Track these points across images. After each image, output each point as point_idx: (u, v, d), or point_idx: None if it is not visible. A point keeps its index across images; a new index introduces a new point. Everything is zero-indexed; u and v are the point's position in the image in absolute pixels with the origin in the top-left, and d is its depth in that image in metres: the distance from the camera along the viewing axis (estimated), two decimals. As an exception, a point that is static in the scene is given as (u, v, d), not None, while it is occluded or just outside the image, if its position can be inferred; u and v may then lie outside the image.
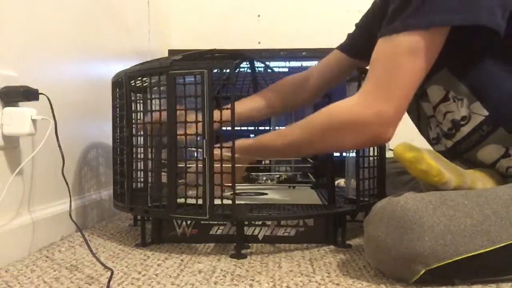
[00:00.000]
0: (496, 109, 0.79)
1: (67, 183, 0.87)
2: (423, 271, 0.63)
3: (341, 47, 1.07)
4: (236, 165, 0.81)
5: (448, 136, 0.86)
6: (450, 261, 0.62)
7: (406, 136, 0.80)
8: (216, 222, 0.90)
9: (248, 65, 1.29)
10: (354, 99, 0.79)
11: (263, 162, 1.30)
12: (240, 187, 1.08)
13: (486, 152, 0.82)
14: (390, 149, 1.12)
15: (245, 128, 1.41)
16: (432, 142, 0.93)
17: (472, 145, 0.83)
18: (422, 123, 0.95)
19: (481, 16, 0.71)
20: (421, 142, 0.76)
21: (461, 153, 0.86)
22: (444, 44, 0.75)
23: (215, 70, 0.81)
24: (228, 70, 0.84)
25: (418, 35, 0.73)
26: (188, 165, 0.83)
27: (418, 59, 0.74)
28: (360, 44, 1.00)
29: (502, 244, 0.63)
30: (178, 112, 0.82)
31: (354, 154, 0.91)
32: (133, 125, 0.91)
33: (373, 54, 0.78)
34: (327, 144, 0.84)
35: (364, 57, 0.91)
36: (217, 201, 0.80)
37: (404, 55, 0.74)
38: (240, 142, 0.88)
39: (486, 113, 0.79)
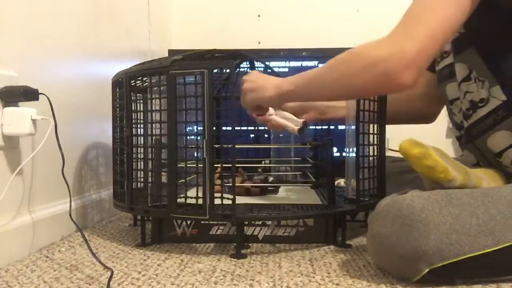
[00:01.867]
0: None
1: (67, 183, 0.87)
2: (426, 270, 0.63)
3: None
4: None
5: (466, 117, 0.86)
6: (454, 260, 0.62)
7: (406, 136, 0.80)
8: (216, 222, 0.90)
9: (248, 65, 1.29)
10: (379, 39, 0.74)
11: (263, 163, 1.30)
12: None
13: (496, 139, 0.81)
14: (390, 149, 1.12)
15: (245, 128, 1.40)
16: (458, 127, 0.93)
17: (485, 129, 0.83)
18: (448, 109, 0.96)
19: None
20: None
21: (473, 136, 0.86)
22: (476, 23, 0.73)
23: (215, 70, 0.81)
24: (228, 70, 0.84)
25: None
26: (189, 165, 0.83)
27: (448, 4, 0.71)
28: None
29: (506, 244, 0.63)
30: None
31: (354, 154, 0.91)
32: (133, 125, 0.91)
33: None
34: (343, 78, 0.76)
35: None
36: (217, 201, 0.80)
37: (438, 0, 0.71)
38: (279, 88, 0.86)
39: (504, 98, 0.79)
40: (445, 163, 0.70)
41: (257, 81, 0.91)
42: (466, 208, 0.65)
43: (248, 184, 1.07)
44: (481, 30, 0.76)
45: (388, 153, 1.01)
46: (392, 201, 0.68)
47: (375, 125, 0.94)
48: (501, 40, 0.79)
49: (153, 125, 0.88)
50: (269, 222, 0.91)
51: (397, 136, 0.83)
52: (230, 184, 0.82)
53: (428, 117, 1.20)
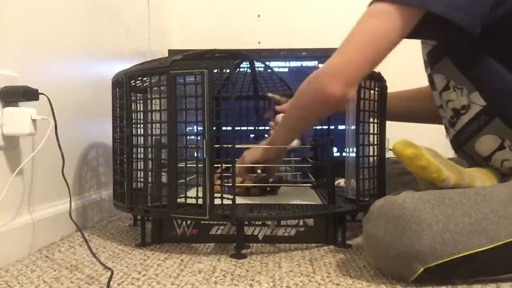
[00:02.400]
0: (492, 99, 0.80)
1: (67, 183, 0.87)
2: (421, 270, 0.63)
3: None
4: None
5: (451, 124, 0.88)
6: (448, 259, 0.63)
7: (405, 136, 0.80)
8: (216, 222, 0.90)
9: (248, 65, 1.29)
10: None
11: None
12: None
13: (483, 143, 0.83)
14: (390, 149, 1.12)
15: (245, 128, 1.41)
16: (447, 131, 0.94)
17: (471, 134, 0.84)
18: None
19: (434, 3, 0.73)
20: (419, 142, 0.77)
21: (461, 143, 0.87)
22: (446, 34, 0.77)
23: (215, 70, 0.81)
24: (228, 70, 0.84)
25: (387, 5, 0.75)
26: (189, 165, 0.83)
27: (378, 21, 0.76)
28: None
29: (500, 243, 0.63)
30: None
31: (354, 154, 0.91)
32: (133, 125, 0.91)
33: None
34: (296, 101, 0.88)
35: None
36: (217, 201, 0.80)
37: (366, 17, 0.77)
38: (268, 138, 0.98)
39: (484, 103, 0.80)
40: (438, 163, 0.70)
41: (251, 150, 1.00)
42: (458, 208, 0.65)
43: (248, 184, 1.07)
44: (452, 42, 0.78)
45: (388, 153, 1.01)
46: (385, 202, 0.68)
47: (375, 125, 0.94)
48: (471, 49, 0.80)
49: (153, 125, 0.88)
50: (269, 222, 0.91)
51: (397, 136, 0.83)
52: (230, 184, 0.82)
53: (439, 118, 1.20)
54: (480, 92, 0.80)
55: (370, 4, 0.78)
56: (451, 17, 0.72)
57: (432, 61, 0.87)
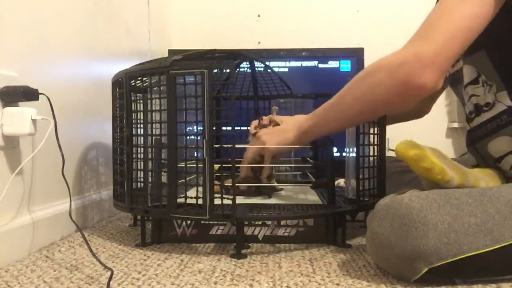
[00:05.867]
0: None
1: (67, 183, 0.87)
2: (425, 270, 0.63)
3: None
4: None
5: (468, 120, 0.87)
6: (453, 259, 0.62)
7: (406, 136, 0.80)
8: (216, 222, 0.90)
9: (248, 65, 1.29)
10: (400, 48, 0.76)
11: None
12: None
13: (497, 144, 0.82)
14: (390, 149, 1.13)
15: (245, 128, 1.40)
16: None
17: (487, 133, 0.83)
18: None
19: None
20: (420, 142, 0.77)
21: (474, 140, 0.86)
22: (488, 26, 0.73)
23: (215, 70, 0.81)
24: (228, 70, 0.84)
25: None
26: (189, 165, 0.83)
27: (468, 4, 0.70)
28: None
29: (505, 244, 0.63)
30: None
31: (354, 154, 0.91)
32: (133, 125, 0.91)
33: None
34: (365, 93, 0.78)
35: None
36: (217, 201, 0.80)
37: (454, 0, 0.71)
38: (299, 127, 0.89)
39: (510, 103, 0.80)
40: (442, 164, 0.70)
41: (273, 129, 0.94)
42: (464, 208, 0.65)
43: (243, 184, 1.07)
44: (493, 33, 0.75)
45: (388, 153, 1.01)
46: (391, 201, 0.68)
47: (375, 125, 0.94)
48: (510, 47, 0.79)
49: (153, 125, 0.88)
50: (269, 222, 0.91)
51: (397, 136, 0.84)
52: (226, 185, 0.82)
53: (419, 114, 1.22)
54: (509, 92, 0.79)
55: None
56: None
57: (466, 51, 0.83)
